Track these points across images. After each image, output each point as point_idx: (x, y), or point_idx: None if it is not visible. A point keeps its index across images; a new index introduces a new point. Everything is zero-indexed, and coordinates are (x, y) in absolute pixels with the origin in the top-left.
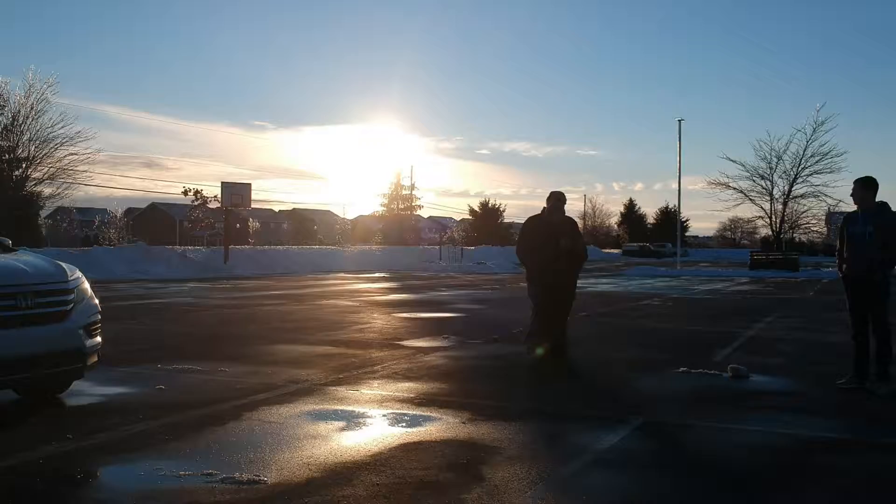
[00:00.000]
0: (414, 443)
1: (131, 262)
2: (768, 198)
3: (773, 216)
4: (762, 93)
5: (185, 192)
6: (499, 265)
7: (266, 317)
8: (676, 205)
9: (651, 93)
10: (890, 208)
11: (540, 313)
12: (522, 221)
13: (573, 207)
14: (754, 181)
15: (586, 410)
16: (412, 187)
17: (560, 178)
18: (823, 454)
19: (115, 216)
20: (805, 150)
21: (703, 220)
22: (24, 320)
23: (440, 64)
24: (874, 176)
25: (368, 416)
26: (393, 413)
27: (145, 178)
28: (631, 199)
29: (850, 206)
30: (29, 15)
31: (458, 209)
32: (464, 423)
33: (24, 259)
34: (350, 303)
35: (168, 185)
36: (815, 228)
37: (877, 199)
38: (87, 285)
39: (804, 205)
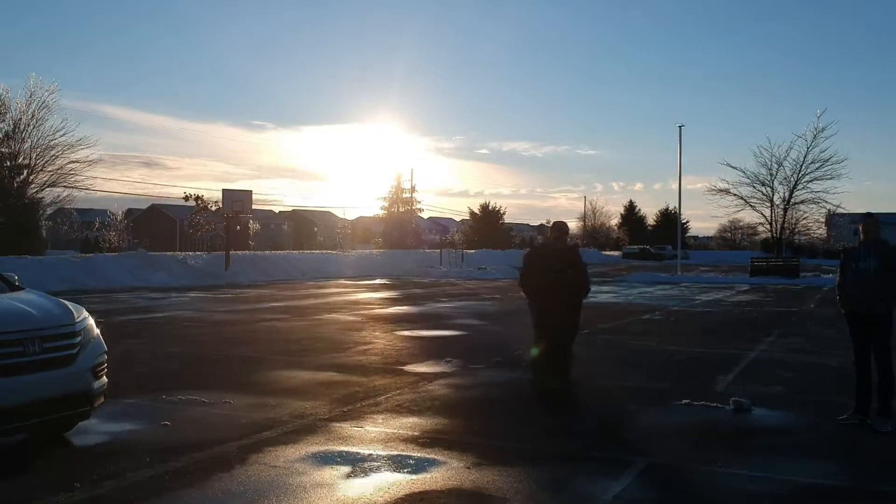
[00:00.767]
0: (419, 493)
1: (132, 269)
2: (769, 204)
3: (774, 222)
4: (762, 92)
5: (186, 198)
6: (499, 271)
7: (268, 335)
8: (676, 207)
9: (651, 92)
10: (890, 243)
11: (543, 345)
12: (522, 223)
13: (574, 207)
14: (755, 187)
15: (590, 451)
16: (412, 190)
17: (559, 178)
18: None
19: (116, 218)
20: (805, 156)
21: (702, 220)
22: (32, 367)
23: (440, 64)
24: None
25: (373, 461)
26: (398, 456)
27: (145, 178)
28: (631, 200)
29: (849, 208)
30: (29, 15)
31: (458, 210)
32: (468, 468)
33: (31, 300)
34: (352, 318)
35: (168, 185)
36: (816, 233)
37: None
38: (93, 325)
39: (804, 211)
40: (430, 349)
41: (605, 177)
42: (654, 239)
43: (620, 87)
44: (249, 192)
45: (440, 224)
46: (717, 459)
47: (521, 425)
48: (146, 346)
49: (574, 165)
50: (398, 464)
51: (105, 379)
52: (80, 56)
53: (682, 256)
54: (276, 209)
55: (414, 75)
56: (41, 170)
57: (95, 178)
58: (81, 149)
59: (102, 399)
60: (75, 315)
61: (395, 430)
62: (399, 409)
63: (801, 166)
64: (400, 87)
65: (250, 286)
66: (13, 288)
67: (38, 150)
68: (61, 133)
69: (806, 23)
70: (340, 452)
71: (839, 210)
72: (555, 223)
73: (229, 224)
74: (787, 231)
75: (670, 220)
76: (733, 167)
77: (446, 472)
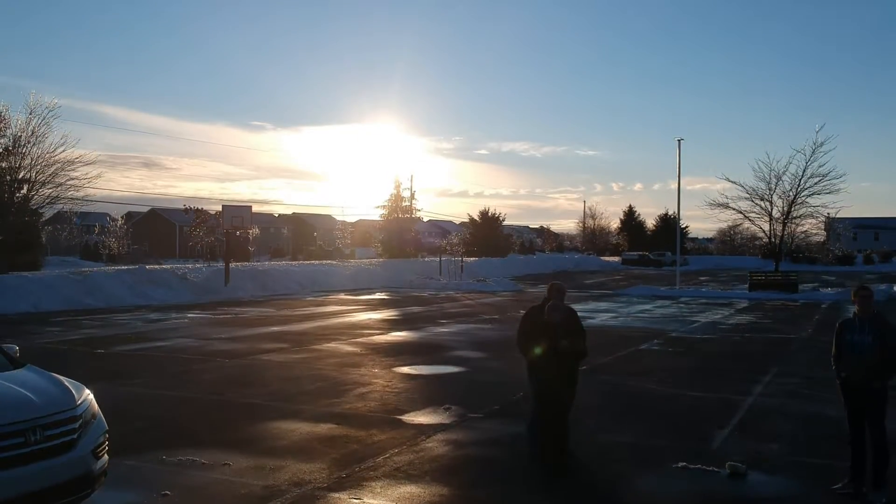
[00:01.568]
0: None
1: (132, 285)
2: (767, 218)
3: (773, 237)
4: (761, 92)
5: (187, 210)
6: (499, 283)
7: (266, 373)
8: (676, 213)
9: (650, 93)
10: (886, 319)
11: (540, 413)
12: (522, 225)
13: (573, 208)
14: (753, 202)
15: None
16: (412, 197)
17: (559, 179)
18: None
19: (116, 224)
20: (804, 170)
21: (702, 221)
22: (32, 456)
23: (439, 64)
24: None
25: None
26: None
27: (144, 178)
28: (630, 205)
29: (848, 212)
30: (28, 15)
31: (458, 212)
32: None
33: (31, 382)
34: (350, 348)
35: (167, 186)
36: (814, 239)
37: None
38: (94, 404)
39: (802, 225)
40: (429, 392)
41: (604, 177)
42: (654, 244)
43: (620, 88)
44: (249, 207)
45: (439, 227)
46: None
47: (519, 496)
48: (144, 391)
49: (573, 166)
50: None
51: (106, 457)
52: (79, 56)
53: (682, 263)
54: (276, 213)
55: (413, 76)
56: (42, 185)
57: (97, 189)
58: (81, 165)
59: (104, 479)
60: (76, 397)
61: None
62: (397, 475)
63: (800, 181)
64: (399, 88)
65: (250, 302)
66: (13, 363)
67: (39, 166)
68: (62, 149)
69: (805, 23)
70: None
71: (838, 215)
72: (552, 284)
73: (229, 239)
74: (787, 243)
75: (670, 225)
76: (732, 181)
77: None
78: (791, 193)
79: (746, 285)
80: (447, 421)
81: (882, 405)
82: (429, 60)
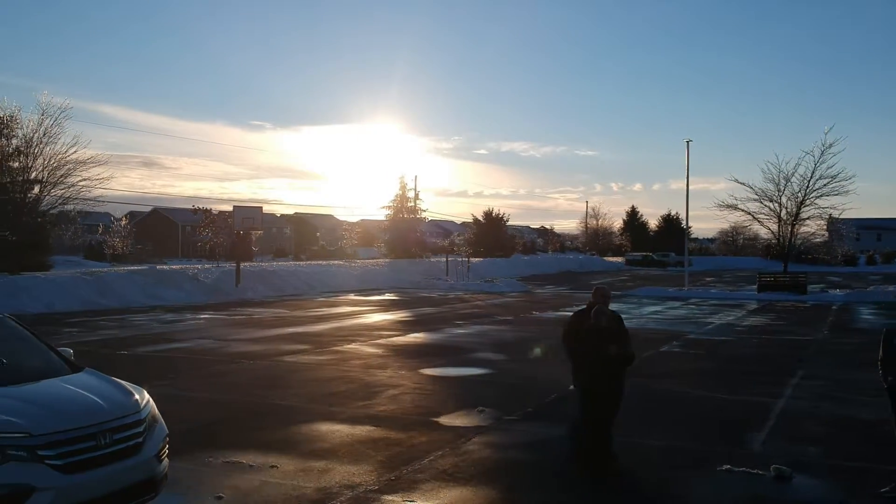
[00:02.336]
0: None
1: (144, 286)
2: (776, 220)
3: (782, 237)
4: (761, 92)
5: (195, 211)
6: (507, 283)
7: (295, 375)
8: (678, 212)
9: (649, 93)
10: None
11: (586, 417)
12: (523, 224)
13: (572, 208)
14: (762, 203)
15: None
16: (416, 197)
17: (558, 179)
18: None
19: (120, 224)
20: (813, 172)
21: (703, 221)
22: (103, 460)
23: (439, 64)
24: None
25: None
26: None
27: (144, 177)
28: (633, 206)
29: (851, 212)
30: (27, 15)
31: (458, 212)
32: None
33: (95, 386)
34: (372, 350)
35: (167, 185)
36: (817, 239)
37: None
38: (154, 408)
39: (808, 226)
40: (460, 394)
41: (604, 177)
42: (657, 244)
43: (619, 88)
44: (259, 208)
45: (441, 227)
46: None
47: (571, 500)
48: (175, 392)
49: (573, 166)
50: None
51: (167, 461)
52: (78, 56)
53: (686, 263)
54: (278, 213)
55: (413, 75)
56: (53, 186)
57: (105, 189)
58: (93, 166)
59: (165, 482)
60: (140, 402)
61: None
62: (445, 477)
63: (809, 182)
64: (399, 88)
65: (261, 303)
66: (72, 367)
67: (51, 167)
68: (73, 150)
69: (806, 22)
70: None
71: (842, 216)
72: (597, 288)
73: (239, 240)
74: (800, 242)
75: (673, 225)
76: (741, 183)
77: None
78: (800, 195)
79: (754, 286)
80: (484, 423)
81: None
82: (428, 60)
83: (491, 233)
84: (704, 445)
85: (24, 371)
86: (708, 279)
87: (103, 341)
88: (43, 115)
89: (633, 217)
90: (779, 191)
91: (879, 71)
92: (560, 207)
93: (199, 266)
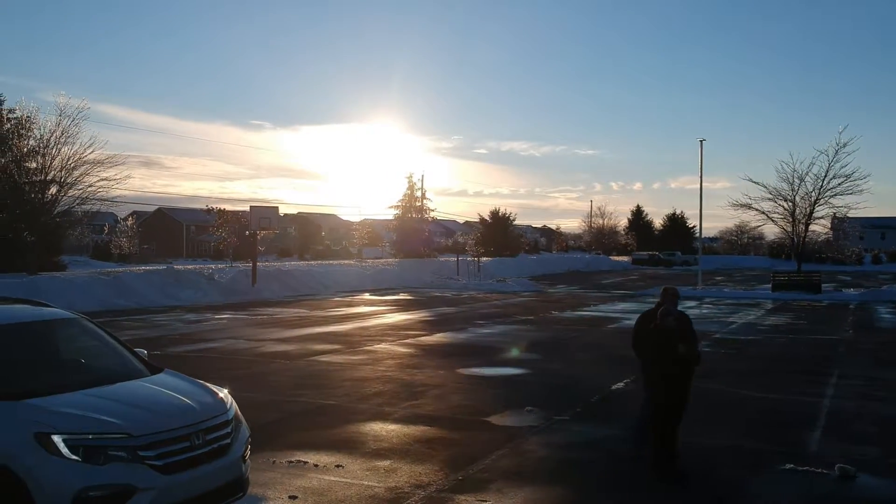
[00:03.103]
0: None
1: (161, 287)
2: (790, 219)
3: (797, 236)
4: (760, 92)
5: (209, 211)
6: (519, 283)
7: (333, 374)
8: (683, 212)
9: (649, 92)
10: None
11: (657, 418)
12: (525, 224)
13: (573, 207)
14: (776, 202)
15: None
16: (423, 196)
17: (558, 178)
18: None
19: (126, 224)
20: (827, 171)
21: (706, 220)
22: (197, 460)
23: (438, 63)
24: None
25: None
26: None
27: (144, 177)
28: (638, 205)
29: (856, 212)
30: (27, 14)
31: (457, 211)
32: None
33: (182, 388)
34: (403, 349)
35: (167, 185)
36: (822, 238)
37: None
38: (237, 409)
39: (825, 226)
40: (503, 394)
41: (603, 177)
42: (662, 243)
43: (619, 87)
44: (276, 209)
45: (443, 226)
46: None
47: (644, 500)
48: None
49: (573, 165)
50: None
51: (249, 462)
52: (78, 55)
53: (693, 262)
54: (282, 212)
55: (412, 75)
56: (71, 187)
57: (122, 190)
58: (111, 166)
59: (249, 483)
60: (227, 403)
61: None
62: (512, 476)
63: (823, 182)
64: (398, 87)
65: (279, 303)
66: (151, 368)
67: (68, 168)
68: (90, 150)
69: (804, 22)
70: None
71: (848, 216)
72: (665, 289)
73: (255, 241)
74: (807, 243)
75: (677, 224)
76: (755, 182)
77: None
78: (814, 194)
79: (767, 285)
80: (535, 423)
81: None
82: (428, 59)
83: (498, 232)
84: (763, 445)
85: (103, 372)
86: (718, 278)
87: (132, 341)
88: (61, 115)
89: (638, 216)
90: (793, 190)
91: (884, 70)
92: (560, 207)
93: (213, 266)
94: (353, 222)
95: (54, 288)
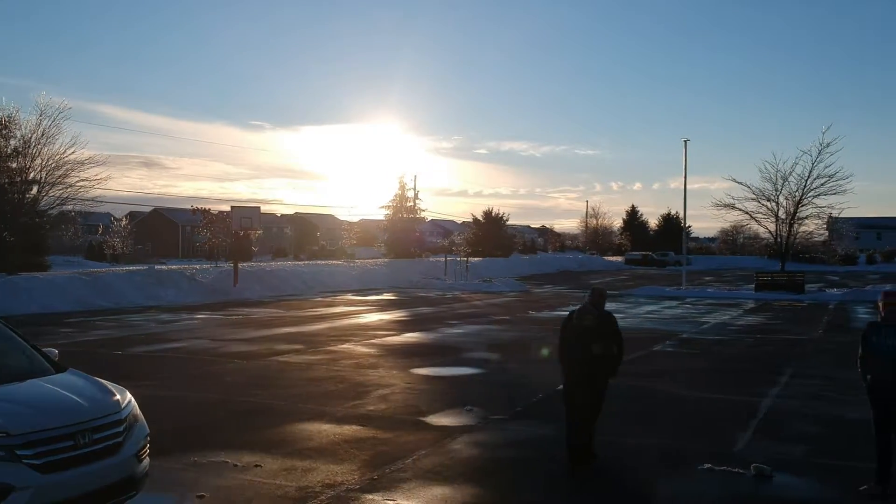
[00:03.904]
0: None
1: (142, 287)
2: (773, 219)
3: (780, 236)
4: (760, 92)
5: (194, 211)
6: (505, 283)
7: (287, 375)
8: (678, 211)
9: (649, 92)
10: None
11: (569, 416)
12: (523, 224)
13: (573, 208)
14: (760, 202)
15: None
16: (416, 197)
17: (559, 178)
18: None
19: (120, 224)
20: (811, 171)
21: (705, 221)
22: (82, 459)
23: (439, 63)
24: None
25: None
26: None
27: (144, 178)
28: (633, 205)
29: (851, 212)
30: (27, 14)
31: (458, 211)
32: None
33: (77, 386)
34: (365, 349)
35: (167, 185)
36: (817, 238)
37: None
38: (136, 408)
39: (807, 225)
40: (449, 393)
41: (603, 177)
42: (657, 244)
43: (619, 87)
44: (257, 208)
45: (441, 227)
46: None
47: (554, 499)
48: (166, 392)
49: (573, 165)
50: None
51: (147, 460)
52: (78, 56)
53: (686, 262)
54: (279, 212)
55: (413, 75)
56: (51, 187)
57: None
58: (92, 166)
59: (146, 480)
60: (121, 402)
61: None
62: (427, 476)
63: (806, 182)
64: (398, 87)
65: (259, 303)
66: (56, 368)
67: (49, 168)
68: (72, 150)
69: (804, 21)
70: None
71: (841, 215)
72: (593, 289)
73: (237, 241)
74: (792, 243)
75: (672, 224)
76: (738, 182)
77: None
78: (797, 194)
79: (752, 285)
80: (471, 422)
81: None
82: (428, 59)
83: (490, 232)
84: (688, 444)
85: (6, 371)
86: (707, 278)
87: (99, 341)
88: (41, 115)
89: (632, 216)
90: (776, 190)
91: (880, 70)
92: (560, 207)
93: (198, 266)
94: (350, 223)
95: (32, 288)
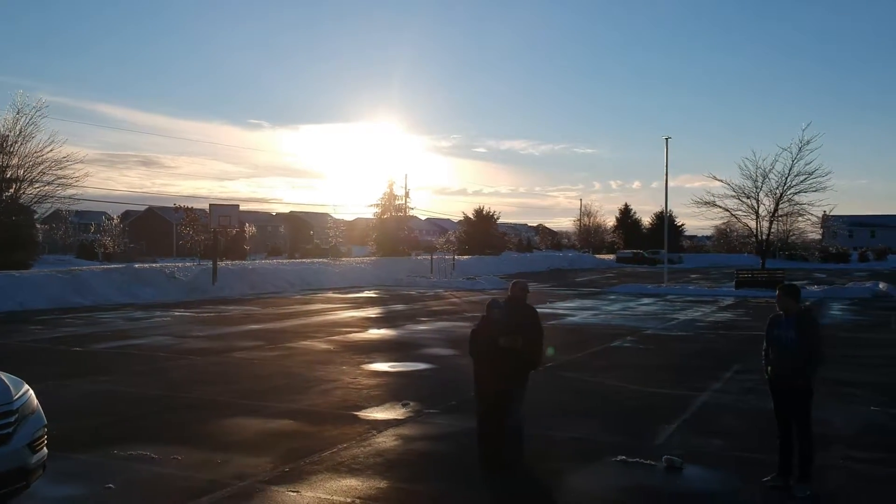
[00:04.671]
0: None
1: (120, 285)
2: (754, 216)
3: (760, 234)
4: (760, 92)
5: (177, 209)
6: (489, 281)
7: (237, 370)
8: (671, 210)
9: (649, 91)
10: (812, 314)
11: (479, 410)
12: (521, 223)
13: (573, 206)
14: (741, 200)
15: None
16: (406, 196)
17: (558, 177)
18: None
19: (112, 223)
20: (791, 168)
21: (701, 219)
22: None
23: (438, 62)
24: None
25: None
26: None
27: (143, 177)
28: (626, 203)
29: (846, 209)
30: (26, 14)
31: (457, 210)
32: None
33: None
34: (324, 346)
35: (166, 184)
36: (810, 236)
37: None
38: (32, 399)
39: (798, 222)
40: (393, 388)
41: (603, 175)
42: (650, 241)
43: (618, 86)
44: (236, 206)
45: (438, 225)
46: None
47: (455, 491)
48: (113, 387)
49: (572, 164)
50: None
51: (45, 451)
52: (77, 56)
53: (676, 261)
54: (274, 211)
55: (412, 73)
56: (30, 184)
57: (97, 188)
58: (70, 164)
59: (41, 472)
60: (13, 393)
61: (329, 496)
62: (339, 469)
63: (787, 179)
64: (397, 86)
65: (237, 301)
66: None
67: (27, 166)
68: (49, 148)
69: (803, 21)
70: None
71: (833, 213)
72: (513, 283)
73: (216, 238)
74: (777, 239)
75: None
76: (719, 179)
77: None
78: (778, 191)
79: (734, 282)
80: (401, 417)
81: (807, 404)
82: (427, 58)
83: (481, 230)
84: (611, 437)
85: None
86: (693, 276)
87: (61, 338)
88: (18, 114)
89: (626, 215)
90: (756, 187)
91: (878, 69)
92: (560, 205)
93: (180, 264)
94: (346, 221)
95: (8, 286)
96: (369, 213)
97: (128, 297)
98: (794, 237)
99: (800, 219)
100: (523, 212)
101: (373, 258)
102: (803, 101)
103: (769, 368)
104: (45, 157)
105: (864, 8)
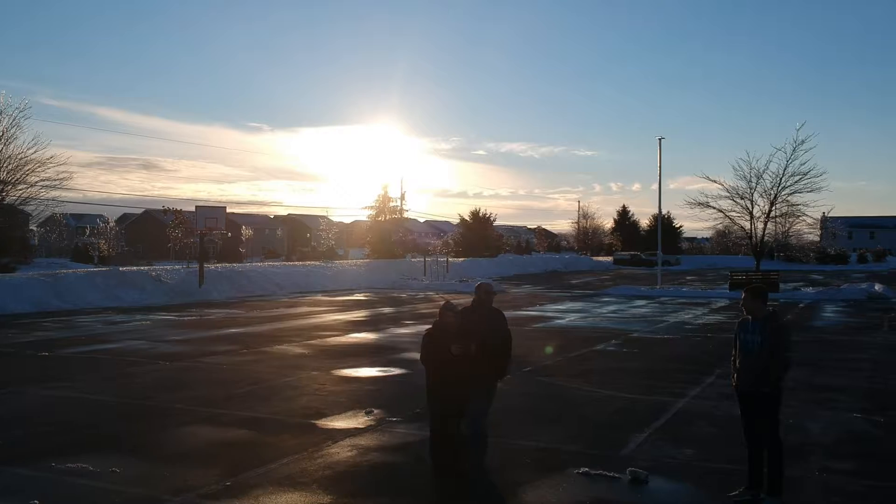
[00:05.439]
0: None
1: (104, 288)
2: (748, 217)
3: (754, 235)
4: (759, 92)
5: (165, 212)
6: None
7: (203, 376)
8: (670, 212)
9: (650, 92)
10: (778, 318)
11: (433, 419)
12: (521, 225)
13: (573, 208)
14: (735, 201)
15: None
16: (401, 198)
17: (558, 179)
18: None
19: (108, 225)
20: (785, 168)
21: (700, 220)
22: None
23: (437, 65)
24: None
25: None
26: None
27: (143, 180)
28: (624, 206)
29: (844, 210)
30: (26, 17)
31: (456, 212)
32: None
33: None
34: (300, 350)
35: (166, 187)
36: (808, 237)
37: None
38: None
39: (795, 223)
40: (360, 395)
41: (603, 177)
42: (649, 243)
43: (618, 88)
44: (223, 208)
45: (437, 228)
46: None
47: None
48: (70, 394)
49: (572, 166)
50: None
51: None
52: (77, 59)
53: (674, 262)
54: (272, 214)
55: (412, 76)
56: (12, 186)
57: (86, 190)
58: (52, 166)
59: None
60: None
61: None
62: (283, 482)
63: (781, 179)
64: (397, 89)
65: (221, 304)
66: None
67: (9, 169)
68: (32, 150)
69: (801, 20)
70: None
71: (832, 214)
72: (478, 285)
73: (202, 240)
74: (775, 241)
75: (664, 224)
76: (712, 180)
77: None
78: (772, 192)
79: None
80: (362, 426)
81: (775, 411)
82: (427, 61)
83: (478, 233)
84: (576, 447)
85: None
86: (688, 278)
87: (34, 343)
88: (0, 115)
89: (624, 216)
90: (750, 188)
91: (878, 70)
92: (560, 207)
93: (169, 266)
94: (345, 224)
95: None
96: (366, 215)
97: (111, 300)
98: (792, 239)
99: (797, 220)
100: (523, 214)
101: (366, 261)
102: (806, 102)
103: (734, 374)
104: (28, 158)
105: (864, 8)
